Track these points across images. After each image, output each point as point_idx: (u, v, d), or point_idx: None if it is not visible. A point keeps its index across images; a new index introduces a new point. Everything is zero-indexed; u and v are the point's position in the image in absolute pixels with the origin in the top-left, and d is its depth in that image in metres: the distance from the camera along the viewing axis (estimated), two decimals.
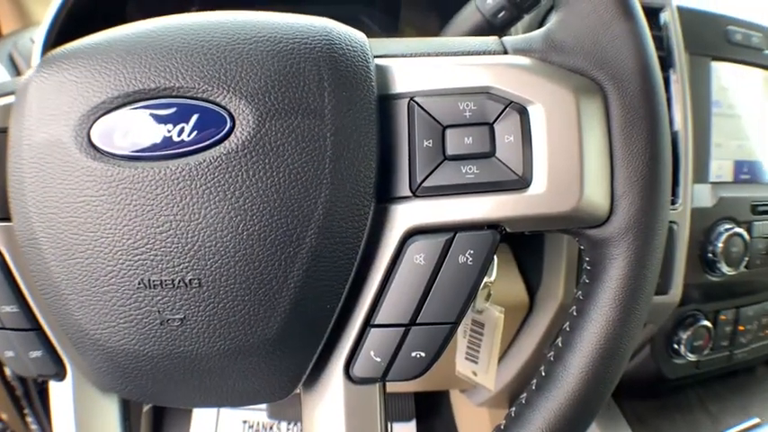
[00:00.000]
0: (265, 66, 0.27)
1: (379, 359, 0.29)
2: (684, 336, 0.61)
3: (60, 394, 0.32)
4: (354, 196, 0.27)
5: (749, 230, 0.60)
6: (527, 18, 0.51)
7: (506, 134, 0.29)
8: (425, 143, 0.29)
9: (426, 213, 0.29)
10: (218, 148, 0.26)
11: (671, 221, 0.55)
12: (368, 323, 0.29)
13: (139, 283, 0.27)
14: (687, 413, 0.65)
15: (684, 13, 0.58)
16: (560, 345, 0.32)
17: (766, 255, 0.62)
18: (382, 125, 0.29)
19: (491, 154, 0.29)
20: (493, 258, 0.31)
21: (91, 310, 0.27)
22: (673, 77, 0.56)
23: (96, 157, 0.26)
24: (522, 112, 0.29)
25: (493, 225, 0.29)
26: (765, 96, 0.64)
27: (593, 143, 0.30)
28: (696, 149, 0.58)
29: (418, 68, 0.31)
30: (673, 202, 0.56)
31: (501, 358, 0.66)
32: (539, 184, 0.29)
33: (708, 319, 0.63)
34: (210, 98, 0.26)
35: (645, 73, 0.30)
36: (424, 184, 0.29)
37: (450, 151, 0.29)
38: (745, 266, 0.60)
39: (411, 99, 0.29)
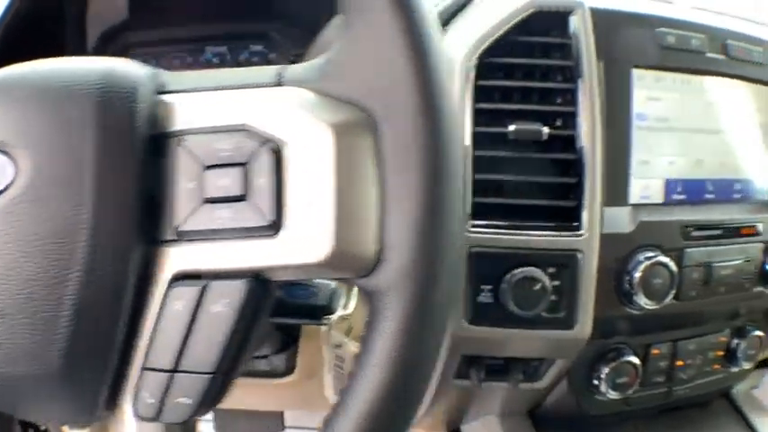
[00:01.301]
0: (39, 114, 0.28)
1: (152, 401, 0.29)
2: (604, 371, 0.55)
3: None
4: (117, 241, 0.28)
5: (679, 258, 0.53)
6: None
7: (259, 176, 0.28)
8: (188, 185, 0.29)
9: (188, 259, 0.29)
10: (2, 196, 0.28)
11: (575, 250, 0.50)
12: (144, 366, 0.29)
13: None
14: None
15: (601, 15, 0.52)
16: (340, 396, 0.30)
17: (704, 285, 0.55)
18: (154, 166, 0.29)
19: (244, 197, 0.28)
20: (259, 308, 0.30)
21: None
22: (580, 88, 0.50)
23: None
24: (277, 152, 0.28)
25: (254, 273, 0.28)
26: (710, 105, 0.57)
27: (356, 186, 0.28)
28: (611, 168, 0.52)
29: (194, 105, 0.30)
30: (576, 228, 0.50)
31: None
32: (290, 231, 0.28)
33: (636, 354, 0.57)
34: (2, 148, 0.28)
35: (424, 106, 0.28)
36: (184, 228, 0.28)
37: (207, 194, 0.28)
38: (675, 298, 0.53)
39: (181, 138, 0.29)
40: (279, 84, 0.30)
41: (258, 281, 0.29)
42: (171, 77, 0.32)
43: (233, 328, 0.28)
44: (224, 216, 0.28)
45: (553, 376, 0.56)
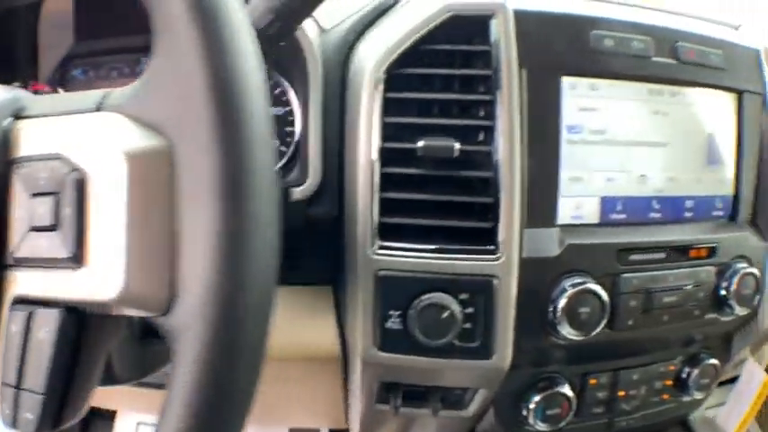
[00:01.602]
0: None
1: (8, 412, 0.30)
2: (533, 402, 0.52)
3: None
4: None
5: (613, 285, 0.49)
6: None
7: (66, 205, 0.28)
8: (20, 212, 0.29)
9: (22, 284, 0.30)
10: None
11: (490, 275, 0.47)
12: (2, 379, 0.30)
13: None
14: None
15: (526, 17, 0.47)
16: None
17: (644, 314, 0.50)
18: (1, 193, 0.29)
19: (55, 227, 0.28)
20: (84, 338, 0.30)
21: None
22: (498, 100, 0.46)
23: None
24: (81, 181, 0.28)
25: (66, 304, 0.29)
26: (657, 115, 0.51)
27: (149, 220, 0.27)
28: (536, 186, 0.48)
29: (33, 131, 0.31)
30: (492, 252, 0.47)
31: (348, 408, 0.61)
32: (89, 265, 0.28)
33: (571, 384, 0.53)
34: None
35: (220, 134, 0.26)
36: (17, 255, 0.29)
37: (32, 222, 0.29)
38: (609, 328, 0.49)
39: (19, 164, 0.30)
40: (98, 109, 0.30)
41: (73, 312, 0.29)
42: (30, 102, 0.32)
43: (54, 354, 0.29)
44: (41, 245, 0.28)
45: (479, 405, 0.53)
